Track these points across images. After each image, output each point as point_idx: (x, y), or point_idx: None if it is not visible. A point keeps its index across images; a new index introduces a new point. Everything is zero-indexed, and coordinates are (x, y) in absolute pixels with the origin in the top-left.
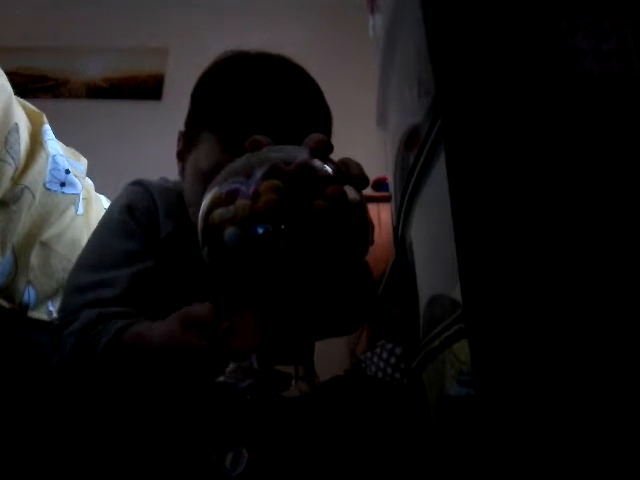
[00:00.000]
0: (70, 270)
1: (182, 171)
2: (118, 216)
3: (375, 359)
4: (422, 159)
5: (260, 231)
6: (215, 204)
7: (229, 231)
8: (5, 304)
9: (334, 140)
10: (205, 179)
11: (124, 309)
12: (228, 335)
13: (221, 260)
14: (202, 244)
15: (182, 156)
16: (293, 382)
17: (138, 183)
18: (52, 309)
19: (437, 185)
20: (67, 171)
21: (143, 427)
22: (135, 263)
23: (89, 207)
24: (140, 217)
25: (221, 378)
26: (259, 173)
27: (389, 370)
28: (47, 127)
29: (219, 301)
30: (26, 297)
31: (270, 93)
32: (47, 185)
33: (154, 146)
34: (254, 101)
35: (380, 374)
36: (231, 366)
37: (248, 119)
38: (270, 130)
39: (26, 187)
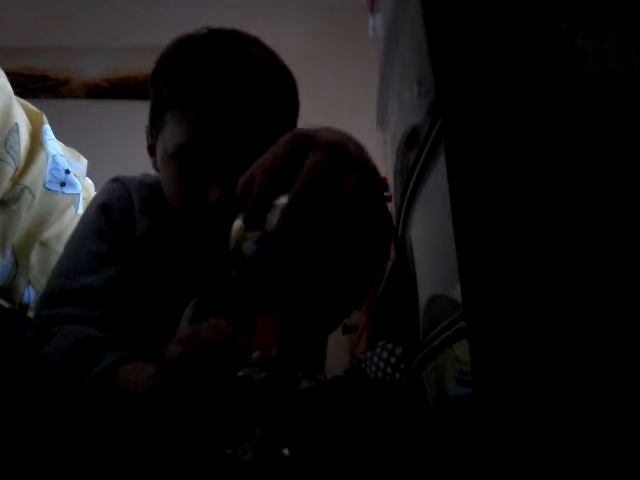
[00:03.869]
0: (51, 271)
1: (155, 164)
2: (93, 216)
3: (375, 359)
4: (422, 159)
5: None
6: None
7: (247, 244)
8: (5, 304)
9: None
10: (174, 161)
11: (109, 336)
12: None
13: (244, 273)
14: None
15: (153, 150)
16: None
17: (116, 180)
18: None
19: (437, 185)
20: (67, 171)
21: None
22: (109, 266)
23: None
24: (114, 217)
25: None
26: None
27: (389, 370)
28: (47, 127)
29: (235, 315)
30: (26, 297)
31: (227, 64)
32: (47, 185)
33: None
34: (211, 73)
35: (380, 374)
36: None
37: (207, 90)
38: (229, 100)
39: (26, 187)
